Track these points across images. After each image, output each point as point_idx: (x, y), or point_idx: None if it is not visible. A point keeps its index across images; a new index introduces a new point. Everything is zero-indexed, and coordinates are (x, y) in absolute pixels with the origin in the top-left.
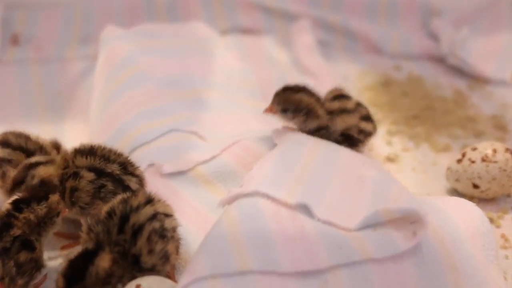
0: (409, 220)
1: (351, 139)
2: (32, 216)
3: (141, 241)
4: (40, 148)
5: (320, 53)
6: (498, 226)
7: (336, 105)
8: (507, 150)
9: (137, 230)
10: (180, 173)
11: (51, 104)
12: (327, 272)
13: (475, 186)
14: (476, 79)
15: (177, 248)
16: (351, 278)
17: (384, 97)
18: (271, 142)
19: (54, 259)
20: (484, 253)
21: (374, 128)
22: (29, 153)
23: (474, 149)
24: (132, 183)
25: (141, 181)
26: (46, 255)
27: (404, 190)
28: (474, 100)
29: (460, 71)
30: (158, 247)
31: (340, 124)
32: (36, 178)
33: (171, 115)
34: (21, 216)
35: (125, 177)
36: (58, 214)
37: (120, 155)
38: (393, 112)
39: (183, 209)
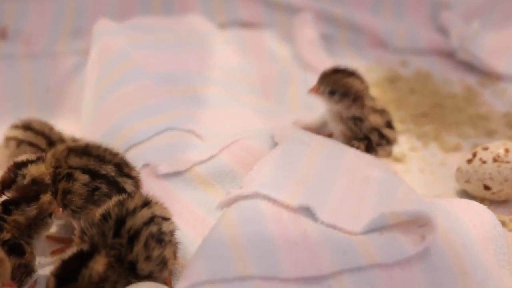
0: (417, 224)
1: (370, 143)
2: (21, 218)
3: (138, 247)
4: (61, 141)
5: (323, 47)
6: (510, 230)
7: (369, 103)
8: None
9: (134, 235)
10: (176, 174)
11: (41, 101)
12: (330, 278)
13: (486, 188)
14: (487, 75)
15: (174, 253)
16: (356, 284)
17: (391, 94)
18: (272, 141)
19: (44, 265)
20: (496, 258)
21: (395, 137)
22: (51, 142)
23: (485, 148)
24: (128, 185)
25: (137, 183)
26: (36, 260)
27: (411, 192)
28: (486, 97)
29: (470, 67)
30: (156, 253)
31: (372, 122)
32: (27, 178)
33: (167, 112)
34: (10, 218)
35: (120, 179)
36: (50, 215)
37: (115, 155)
38: (400, 110)
39: (179, 211)
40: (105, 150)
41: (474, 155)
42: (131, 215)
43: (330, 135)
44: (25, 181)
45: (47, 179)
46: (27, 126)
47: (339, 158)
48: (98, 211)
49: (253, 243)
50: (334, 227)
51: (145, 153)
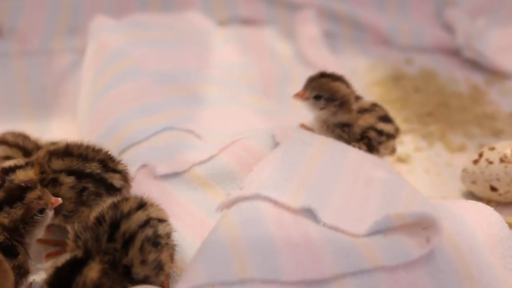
0: (422, 226)
1: (370, 142)
2: (6, 221)
3: (133, 251)
4: (38, 149)
5: (325, 45)
6: None
7: (357, 105)
8: None
9: (129, 239)
10: (175, 175)
11: (36, 101)
12: (333, 281)
13: (493, 189)
14: (494, 73)
15: (171, 256)
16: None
17: (395, 92)
18: (273, 141)
19: (40, 268)
20: (503, 261)
21: (396, 129)
22: (26, 152)
23: (492, 148)
24: (116, 180)
25: (125, 176)
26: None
27: (416, 193)
28: (492, 96)
29: (476, 65)
30: (151, 257)
31: (362, 123)
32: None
33: (166, 112)
34: None
35: (106, 175)
36: (41, 211)
37: (98, 151)
38: (404, 109)
39: (178, 213)
40: (87, 147)
41: (481, 155)
42: (126, 218)
43: None
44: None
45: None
46: (1, 141)
47: (341, 159)
48: (92, 214)
49: (253, 245)
50: (336, 229)
51: (143, 153)
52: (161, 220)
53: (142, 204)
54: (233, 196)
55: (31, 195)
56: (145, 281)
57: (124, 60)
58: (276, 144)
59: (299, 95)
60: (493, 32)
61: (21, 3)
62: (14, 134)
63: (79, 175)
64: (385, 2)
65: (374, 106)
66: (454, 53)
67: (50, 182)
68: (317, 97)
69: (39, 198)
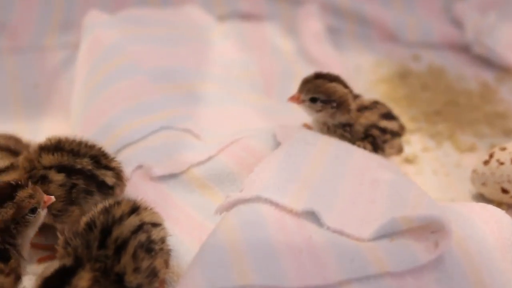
0: (430, 229)
1: (375, 140)
2: None
3: (126, 258)
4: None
5: (329, 41)
6: None
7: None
8: None
9: (121, 245)
10: (172, 176)
11: (27, 99)
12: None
13: (504, 191)
14: (505, 70)
15: (166, 262)
16: None
17: (401, 90)
18: (274, 141)
19: (31, 273)
20: None
21: (401, 127)
22: (17, 155)
23: (503, 149)
24: (108, 177)
25: (118, 174)
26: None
27: (424, 195)
28: (503, 94)
29: (487, 61)
30: (145, 264)
31: (363, 121)
32: None
33: (162, 111)
34: None
35: (98, 172)
36: (33, 211)
37: (91, 147)
38: (411, 107)
39: (175, 216)
40: (80, 143)
41: (491, 156)
42: (118, 223)
43: None
44: None
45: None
46: None
47: (346, 159)
48: (83, 219)
49: (254, 250)
50: (341, 233)
51: (139, 154)
52: (155, 225)
53: (135, 208)
54: (233, 199)
55: (22, 194)
56: None
57: (119, 56)
58: (277, 144)
59: (294, 98)
60: (504, 27)
61: None
62: (5, 137)
63: (69, 171)
64: None
65: (375, 104)
66: (463, 49)
67: (39, 179)
68: (313, 100)
69: (31, 196)
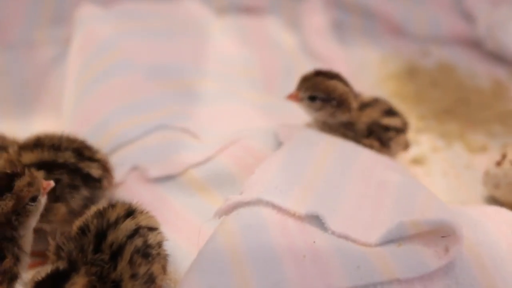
0: (440, 234)
1: (380, 137)
2: None
3: (122, 264)
4: None
5: (333, 36)
6: None
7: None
8: None
9: (117, 251)
10: (169, 178)
11: (16, 96)
12: None
13: None
14: None
15: (164, 267)
16: None
17: (409, 87)
18: (276, 141)
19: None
20: None
21: (404, 123)
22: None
23: None
24: (93, 169)
25: (104, 165)
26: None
27: (433, 198)
28: None
29: (499, 57)
30: (142, 270)
31: (365, 119)
32: None
33: (158, 109)
34: None
35: (82, 164)
36: (33, 199)
37: (73, 140)
38: (420, 105)
39: (172, 220)
40: (60, 138)
41: (504, 156)
42: (113, 227)
43: None
44: None
45: None
46: None
47: (352, 160)
48: (76, 224)
49: (255, 255)
50: (346, 237)
51: (134, 154)
52: (152, 229)
53: (130, 212)
54: (232, 201)
55: (20, 183)
56: None
57: (113, 52)
58: (279, 144)
59: (293, 96)
60: None
61: None
62: None
63: (50, 166)
64: None
65: (375, 101)
66: (475, 44)
67: None
68: (312, 98)
69: (29, 184)
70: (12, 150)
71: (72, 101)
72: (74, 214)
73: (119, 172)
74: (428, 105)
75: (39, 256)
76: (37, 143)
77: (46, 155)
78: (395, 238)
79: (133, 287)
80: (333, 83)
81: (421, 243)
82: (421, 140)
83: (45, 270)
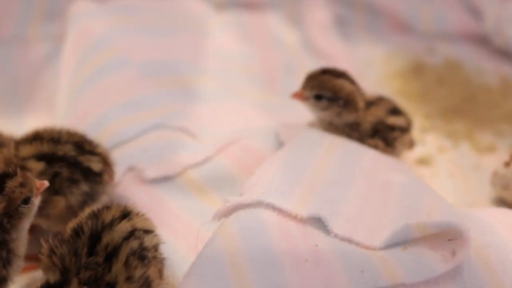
0: (447, 237)
1: (385, 136)
2: None
3: (117, 266)
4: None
5: (336, 32)
6: None
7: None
8: None
9: (112, 253)
10: (166, 179)
11: (8, 94)
12: None
13: None
14: None
15: (160, 271)
16: None
17: (415, 86)
18: (277, 141)
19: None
20: None
21: (408, 122)
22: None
23: None
24: (94, 163)
25: (105, 159)
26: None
27: (440, 200)
28: None
29: (507, 54)
30: (138, 272)
31: (370, 118)
32: None
33: (155, 108)
34: None
35: (82, 158)
36: (26, 200)
37: (73, 135)
38: (426, 104)
39: (170, 223)
40: (60, 131)
41: None
42: (108, 228)
43: None
44: None
45: None
46: None
47: (355, 161)
48: (69, 225)
49: (255, 260)
50: (349, 241)
51: (130, 154)
52: (148, 231)
53: (126, 213)
54: (232, 203)
55: (12, 184)
56: None
57: (108, 49)
58: (280, 144)
59: (298, 95)
60: None
61: None
62: None
63: (50, 159)
64: None
65: (380, 99)
66: (482, 41)
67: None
68: (318, 97)
69: (22, 185)
70: (9, 146)
71: (66, 99)
72: (72, 211)
73: (115, 171)
74: (434, 103)
75: (32, 260)
76: (36, 137)
77: (45, 148)
78: (400, 241)
79: None
80: (340, 82)
81: (427, 246)
82: (427, 140)
83: (36, 284)
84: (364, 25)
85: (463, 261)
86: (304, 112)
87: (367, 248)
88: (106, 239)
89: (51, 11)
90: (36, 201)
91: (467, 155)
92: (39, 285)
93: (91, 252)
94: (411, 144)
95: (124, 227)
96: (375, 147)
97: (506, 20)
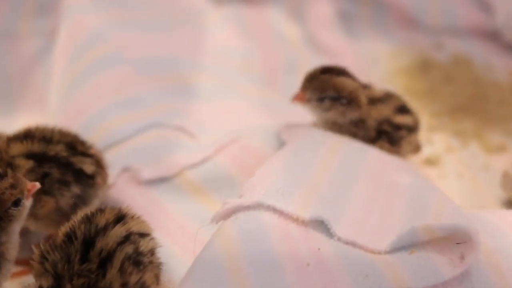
0: (455, 241)
1: (390, 136)
2: None
3: (112, 273)
4: None
5: (340, 27)
6: None
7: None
8: None
9: (106, 258)
10: (163, 180)
11: None
12: None
13: None
14: None
15: (157, 277)
16: None
17: (422, 83)
18: (278, 141)
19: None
20: None
21: (416, 121)
22: None
23: None
24: (86, 165)
25: (98, 161)
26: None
27: (448, 202)
28: None
29: None
30: (133, 278)
31: (376, 115)
32: None
33: (152, 106)
34: None
35: (74, 159)
36: (17, 203)
37: (66, 135)
38: (433, 102)
39: (166, 225)
40: (52, 130)
41: None
42: (102, 233)
43: None
44: None
45: None
46: None
47: (360, 161)
48: (61, 230)
49: (255, 263)
50: (353, 244)
51: (125, 154)
52: (143, 235)
53: (120, 217)
54: (231, 205)
55: (2, 185)
56: None
57: (102, 44)
58: (281, 144)
59: (298, 98)
60: None
61: None
62: None
63: (40, 158)
64: None
65: (388, 95)
66: (492, 36)
67: (5, 168)
68: (321, 99)
69: (12, 187)
70: (0, 142)
71: (59, 97)
72: (62, 214)
73: (109, 174)
74: (442, 101)
75: (23, 264)
76: (28, 135)
77: (36, 147)
78: (407, 245)
79: None
80: (341, 80)
81: (435, 250)
82: (435, 139)
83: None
84: (369, 19)
85: (472, 266)
86: (306, 111)
87: (372, 252)
88: (99, 244)
89: (43, 5)
90: (27, 203)
91: (476, 155)
92: None
93: (84, 259)
94: (417, 148)
95: (118, 231)
96: (380, 146)
97: None
